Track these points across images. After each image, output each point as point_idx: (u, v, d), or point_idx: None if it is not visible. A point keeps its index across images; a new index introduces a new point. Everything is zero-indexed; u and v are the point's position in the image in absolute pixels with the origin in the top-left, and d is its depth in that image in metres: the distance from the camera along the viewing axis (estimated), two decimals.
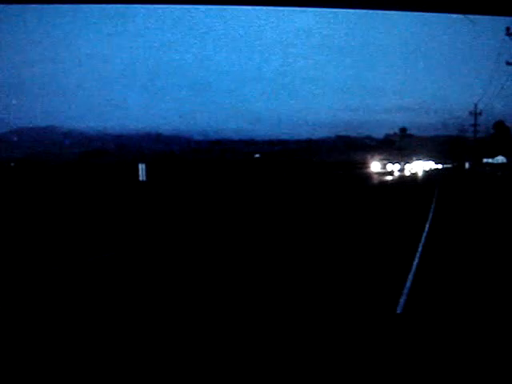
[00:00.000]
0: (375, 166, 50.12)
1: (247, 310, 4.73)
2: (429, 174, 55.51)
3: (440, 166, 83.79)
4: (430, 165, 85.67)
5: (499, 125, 77.76)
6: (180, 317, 4.55)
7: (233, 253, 7.87)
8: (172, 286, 5.77)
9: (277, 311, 4.64)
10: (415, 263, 6.92)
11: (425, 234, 9.64)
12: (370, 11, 2.82)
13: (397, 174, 47.45)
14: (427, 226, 10.83)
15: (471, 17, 2.92)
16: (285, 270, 6.59)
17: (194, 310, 4.74)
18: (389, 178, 38.99)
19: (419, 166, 74.16)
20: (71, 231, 10.37)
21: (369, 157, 57.14)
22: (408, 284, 5.75)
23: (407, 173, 52.71)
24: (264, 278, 6.15)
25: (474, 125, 61.84)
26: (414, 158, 74.49)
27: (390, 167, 49.78)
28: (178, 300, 5.16)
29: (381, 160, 52.28)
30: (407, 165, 58.25)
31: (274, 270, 6.62)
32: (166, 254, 7.84)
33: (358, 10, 2.90)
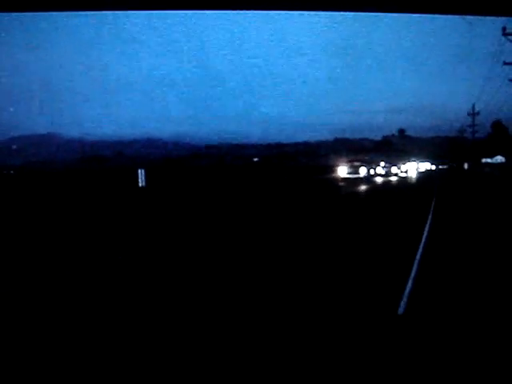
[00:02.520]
0: (342, 171, 36.98)
1: (247, 314, 4.72)
2: (423, 178, 45.08)
3: (434, 167, 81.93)
4: (426, 166, 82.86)
5: (497, 124, 77.87)
6: (181, 318, 4.57)
7: (231, 260, 7.88)
8: (172, 291, 5.77)
9: (276, 312, 4.65)
10: None
11: None
12: (367, 13, 2.85)
13: (379, 179, 36.54)
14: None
15: (468, 17, 2.94)
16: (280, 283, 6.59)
17: (195, 312, 4.74)
18: (362, 187, 27.93)
19: (413, 168, 63.83)
20: (73, 238, 10.37)
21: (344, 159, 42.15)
22: None
23: (394, 177, 41.21)
24: (262, 280, 6.15)
25: (472, 125, 62.17)
26: (412, 159, 70.84)
27: (363, 171, 36.67)
28: (180, 302, 5.16)
29: (350, 162, 38.17)
30: (394, 168, 45.34)
31: (272, 272, 6.62)
32: (164, 261, 7.85)
33: (354, 12, 2.93)
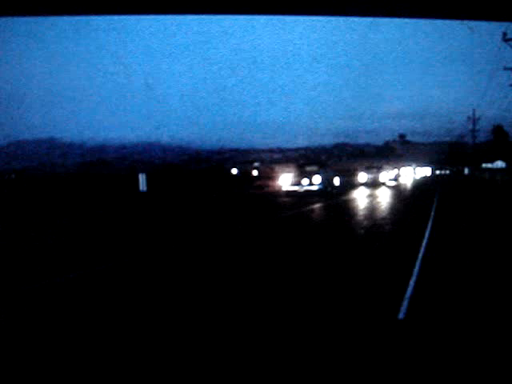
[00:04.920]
0: (285, 181, 24.45)
1: (247, 314, 4.72)
2: (419, 187, 34.85)
3: (431, 173, 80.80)
4: (425, 171, 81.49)
5: (498, 129, 77.95)
6: (182, 318, 4.56)
7: (230, 265, 7.86)
8: (172, 293, 5.76)
9: (275, 316, 4.63)
10: None
11: None
12: (369, 19, 2.87)
13: (363, 193, 24.54)
14: None
15: (469, 23, 2.96)
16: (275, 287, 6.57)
17: (195, 312, 4.73)
18: (316, 204, 17.73)
19: (408, 175, 60.00)
20: (74, 242, 10.36)
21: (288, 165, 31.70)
22: None
23: (381, 190, 28.01)
24: (261, 281, 6.14)
25: (473, 130, 62.07)
26: (408, 164, 69.20)
27: (317, 180, 23.48)
28: (181, 303, 5.15)
29: (300, 168, 25.76)
30: (381, 174, 35.74)
31: (271, 275, 6.61)
32: (166, 264, 7.84)
33: (356, 18, 2.95)
